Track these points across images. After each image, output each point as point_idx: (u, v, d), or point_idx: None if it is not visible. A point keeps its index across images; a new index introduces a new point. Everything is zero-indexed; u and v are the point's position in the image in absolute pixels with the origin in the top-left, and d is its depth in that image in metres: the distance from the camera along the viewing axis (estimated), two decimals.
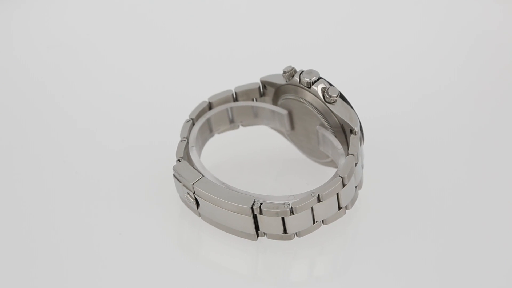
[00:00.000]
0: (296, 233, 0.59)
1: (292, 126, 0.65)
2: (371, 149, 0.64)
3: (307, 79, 0.61)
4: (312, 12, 0.86)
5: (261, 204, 0.57)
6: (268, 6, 0.86)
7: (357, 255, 0.61)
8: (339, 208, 0.60)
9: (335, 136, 0.62)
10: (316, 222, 0.59)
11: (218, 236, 0.61)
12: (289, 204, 0.57)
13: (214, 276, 0.60)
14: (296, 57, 0.75)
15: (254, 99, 0.66)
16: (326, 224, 0.60)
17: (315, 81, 0.61)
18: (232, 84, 0.66)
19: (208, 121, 0.65)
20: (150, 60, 0.81)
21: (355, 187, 0.61)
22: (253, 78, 0.66)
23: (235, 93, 0.65)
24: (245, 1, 0.87)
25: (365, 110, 0.64)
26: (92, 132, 0.72)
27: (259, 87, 0.65)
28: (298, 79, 0.62)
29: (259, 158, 0.68)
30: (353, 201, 0.61)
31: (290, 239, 0.59)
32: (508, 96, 0.74)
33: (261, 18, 0.85)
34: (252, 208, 0.57)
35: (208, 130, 0.66)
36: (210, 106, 0.65)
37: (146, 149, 0.69)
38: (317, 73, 0.62)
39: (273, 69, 0.65)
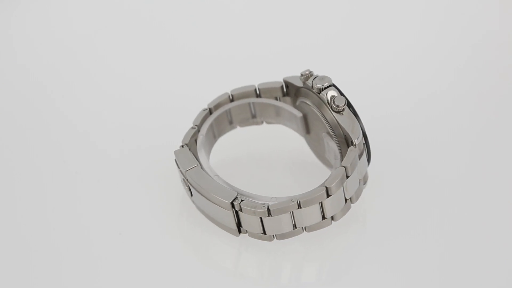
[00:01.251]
0: (275, 235, 0.59)
1: (307, 130, 0.65)
2: (372, 149, 0.62)
3: (318, 85, 0.61)
4: (314, 12, 0.84)
5: (242, 201, 0.58)
6: (269, 7, 0.85)
7: (357, 257, 0.61)
8: (323, 217, 0.59)
9: (340, 146, 0.61)
10: (297, 228, 0.59)
11: (207, 226, 0.62)
12: (267, 206, 0.58)
13: (193, 267, 0.61)
14: (297, 58, 0.75)
15: (278, 98, 0.66)
16: (308, 231, 0.60)
17: (325, 88, 0.61)
18: (234, 85, 0.66)
19: (228, 112, 0.66)
20: (151, 62, 0.81)
21: (347, 199, 0.60)
22: (256, 79, 0.66)
23: (258, 89, 0.66)
24: (248, 2, 0.86)
25: (366, 110, 0.63)
26: (92, 132, 0.73)
27: (282, 86, 0.65)
28: (311, 84, 0.62)
29: (278, 157, 0.68)
30: (342, 212, 0.60)
31: (269, 240, 0.60)
32: (509, 96, 0.72)
33: (263, 19, 0.84)
34: (232, 204, 0.58)
35: (228, 122, 0.66)
36: (231, 98, 0.66)
37: (146, 150, 0.70)
38: (329, 79, 0.61)
39: (274, 71, 0.65)
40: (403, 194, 0.64)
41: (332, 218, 0.60)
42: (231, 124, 0.67)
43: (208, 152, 0.65)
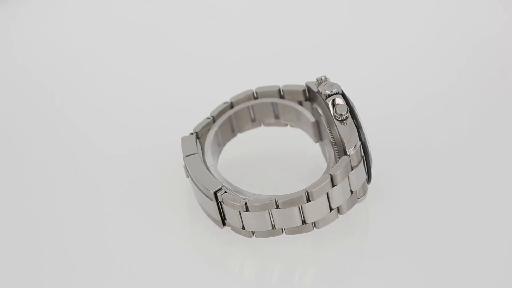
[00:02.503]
0: (253, 232, 0.60)
1: (320, 137, 0.64)
2: (372, 150, 0.61)
3: (327, 91, 0.60)
4: (314, 13, 0.83)
5: (225, 192, 0.59)
6: (269, 8, 0.84)
7: (344, 266, 0.61)
8: (304, 222, 0.59)
9: (339, 155, 0.60)
10: (277, 228, 0.59)
11: (208, 226, 0.63)
12: (245, 201, 0.58)
13: (193, 267, 0.61)
14: (296, 59, 0.74)
15: (301, 102, 0.66)
16: (288, 234, 0.59)
17: (332, 95, 0.60)
18: (235, 85, 0.67)
19: (251, 109, 0.66)
20: (151, 62, 0.81)
21: (333, 209, 0.59)
22: (257, 79, 0.67)
23: (282, 90, 0.66)
24: (248, 3, 0.86)
25: (366, 111, 0.63)
26: (92, 132, 0.73)
27: (305, 90, 0.65)
28: (321, 90, 0.61)
29: (296, 159, 0.68)
30: (325, 221, 0.59)
31: (248, 236, 0.60)
32: (510, 96, 0.71)
33: (264, 20, 0.83)
34: (216, 194, 0.59)
35: (250, 118, 0.67)
36: (256, 96, 0.66)
37: (146, 150, 0.70)
38: (338, 87, 0.61)
39: (274, 72, 0.65)
40: (401, 196, 0.63)
41: (314, 224, 0.59)
42: (253, 121, 0.67)
43: (220, 145, 0.66)
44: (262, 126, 0.68)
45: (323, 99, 0.61)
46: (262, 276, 0.61)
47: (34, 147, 0.72)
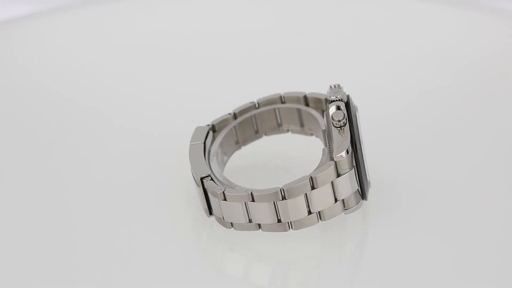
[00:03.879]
0: (231, 223, 0.60)
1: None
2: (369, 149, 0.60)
3: (332, 97, 0.60)
4: (313, 15, 0.80)
5: (211, 179, 0.60)
6: (269, 9, 0.83)
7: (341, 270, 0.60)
8: (279, 220, 0.58)
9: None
10: (253, 223, 0.59)
11: (210, 227, 0.63)
12: (223, 189, 0.58)
13: (194, 268, 0.61)
14: (297, 60, 0.73)
15: (323, 111, 0.65)
16: (264, 230, 0.59)
17: (334, 101, 0.60)
18: (238, 87, 0.68)
19: (277, 112, 0.66)
20: (154, 62, 0.81)
21: (313, 212, 0.58)
22: (258, 80, 0.68)
23: (307, 97, 0.65)
24: (249, 5, 0.84)
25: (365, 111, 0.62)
26: (93, 132, 0.73)
27: (326, 99, 0.64)
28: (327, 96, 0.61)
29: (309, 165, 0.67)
30: (303, 223, 0.58)
31: (227, 227, 0.60)
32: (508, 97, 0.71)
33: (264, 21, 0.82)
34: (202, 180, 0.60)
35: (276, 122, 0.67)
36: (283, 100, 0.66)
37: (148, 148, 0.70)
38: (343, 93, 0.60)
39: (272, 74, 0.64)
40: (400, 199, 0.62)
41: (290, 225, 0.58)
42: (279, 126, 0.67)
43: (238, 143, 0.66)
44: (290, 133, 0.68)
45: (327, 104, 0.60)
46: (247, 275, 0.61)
47: (34, 147, 0.72)
